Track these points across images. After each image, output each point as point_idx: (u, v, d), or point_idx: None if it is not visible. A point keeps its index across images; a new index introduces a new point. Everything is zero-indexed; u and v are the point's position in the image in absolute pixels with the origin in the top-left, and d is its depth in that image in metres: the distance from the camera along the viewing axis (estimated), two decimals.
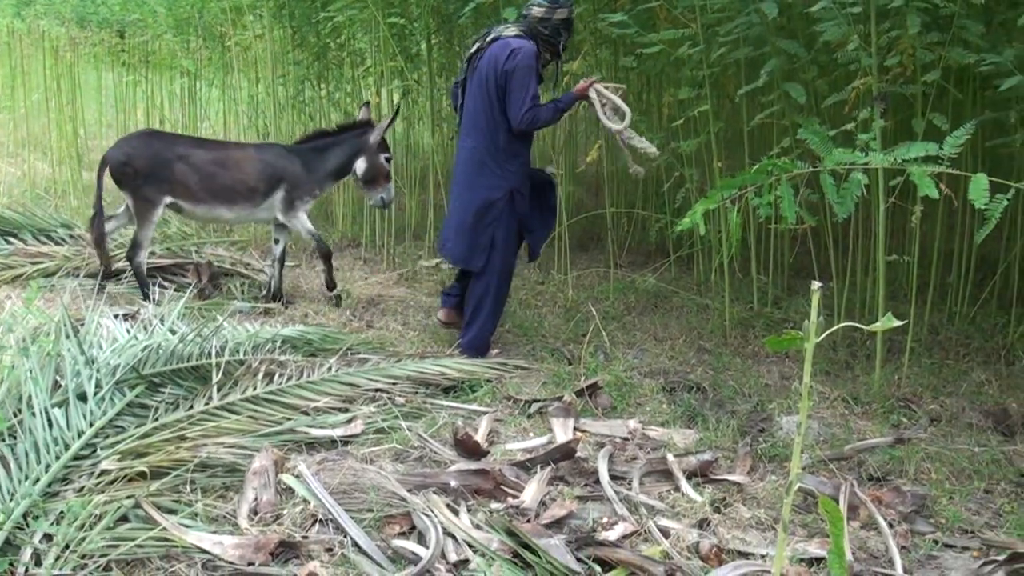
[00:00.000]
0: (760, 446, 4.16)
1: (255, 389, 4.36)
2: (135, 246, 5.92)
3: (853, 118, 4.65)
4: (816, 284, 1.98)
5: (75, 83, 9.81)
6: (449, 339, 5.48)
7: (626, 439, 4.22)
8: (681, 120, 6.04)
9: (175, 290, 6.15)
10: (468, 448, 3.99)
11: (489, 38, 5.16)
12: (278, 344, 4.95)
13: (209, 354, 4.51)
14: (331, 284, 6.21)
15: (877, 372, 4.83)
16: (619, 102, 5.02)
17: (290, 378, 4.53)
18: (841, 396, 4.73)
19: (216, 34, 9.18)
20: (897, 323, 1.91)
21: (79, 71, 10.16)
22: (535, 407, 4.54)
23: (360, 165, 6.10)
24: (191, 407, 4.14)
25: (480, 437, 4.12)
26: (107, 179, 5.99)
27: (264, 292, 6.29)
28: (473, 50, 5.23)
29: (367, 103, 6.42)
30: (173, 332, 4.83)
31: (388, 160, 6.17)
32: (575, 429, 4.27)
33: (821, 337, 1.92)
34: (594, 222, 7.65)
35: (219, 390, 4.31)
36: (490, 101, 5.06)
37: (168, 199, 5.93)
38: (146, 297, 5.91)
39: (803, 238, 6.19)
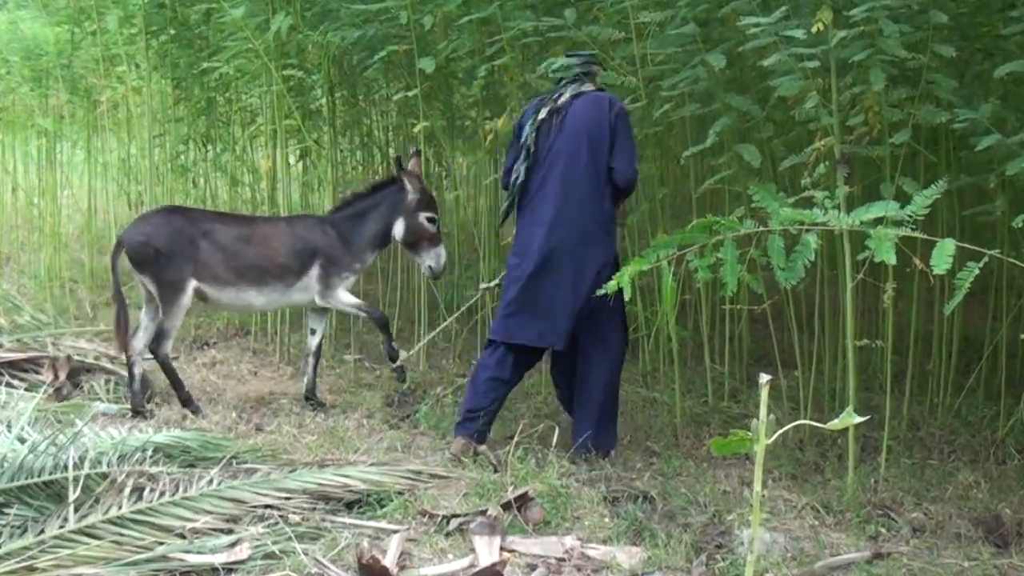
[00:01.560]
0: (718, 564, 4.13)
1: (120, 508, 4.25)
2: (160, 336, 5.96)
3: (811, 175, 4.74)
4: (765, 377, 2.01)
5: None
6: (357, 444, 5.45)
7: (562, 559, 4.17)
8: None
9: (26, 389, 6.03)
10: (375, 574, 3.93)
11: (565, 97, 5.30)
12: (149, 453, 4.83)
13: (65, 466, 4.39)
14: (392, 354, 6.23)
15: (850, 475, 4.84)
16: None
17: (163, 494, 4.42)
18: (810, 504, 4.72)
19: (82, 88, 9.15)
20: (859, 419, 1.94)
21: None
22: (455, 523, 4.47)
23: (398, 228, 6.15)
24: (42, 531, 4.01)
25: (390, 561, 4.05)
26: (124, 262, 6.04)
27: (305, 394, 6.29)
28: (543, 115, 5.31)
29: (417, 150, 6.36)
30: (22, 440, 4.71)
31: (431, 221, 6.14)
32: (502, 549, 4.21)
33: (772, 438, 1.92)
34: None
35: (77, 510, 4.18)
36: (593, 163, 5.19)
37: (194, 282, 5.99)
38: (185, 402, 5.99)
39: (763, 320, 6.28)
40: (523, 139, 5.36)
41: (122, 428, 5.32)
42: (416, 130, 6.85)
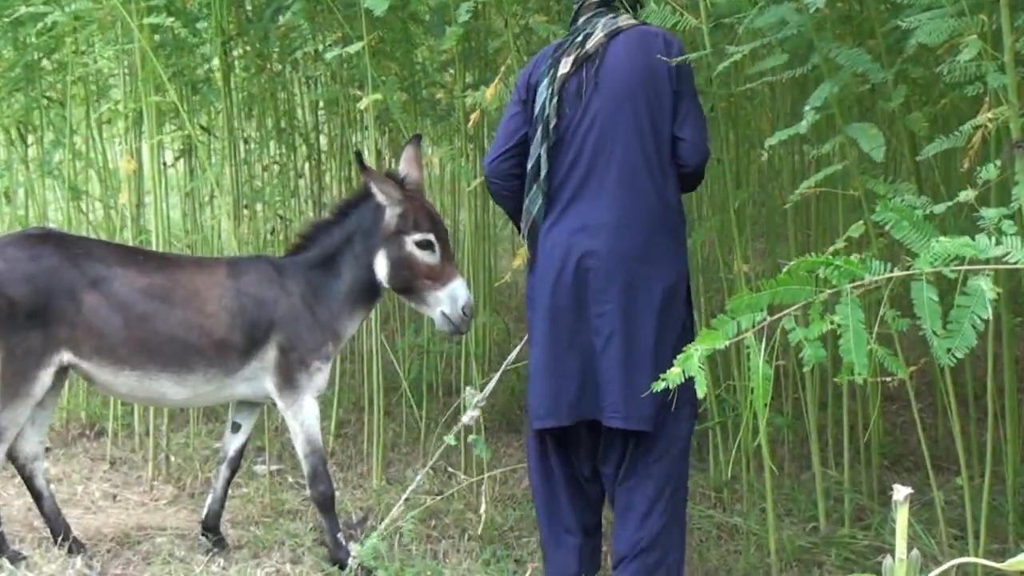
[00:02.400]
0: None
1: None
2: None
3: (972, 180, 4.59)
4: (902, 490, 1.86)
5: None
6: None
7: None
8: None
9: None
10: None
11: (597, 37, 5.18)
12: None
13: None
14: (337, 556, 5.88)
15: None
16: None
17: None
18: None
19: None
20: None
21: None
22: None
23: (380, 265, 5.83)
24: None
25: None
26: None
27: (202, 520, 6.18)
28: (566, 68, 5.17)
29: (417, 136, 6.17)
30: None
31: (426, 246, 5.78)
32: None
33: None
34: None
35: None
36: (654, 135, 5.13)
37: (65, 356, 5.75)
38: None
39: (902, 397, 6.15)
40: (539, 107, 5.22)
41: None
42: (360, 107, 6.64)
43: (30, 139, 8.58)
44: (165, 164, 8.19)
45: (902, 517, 1.87)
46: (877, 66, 5.10)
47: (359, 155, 5.86)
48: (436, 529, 6.43)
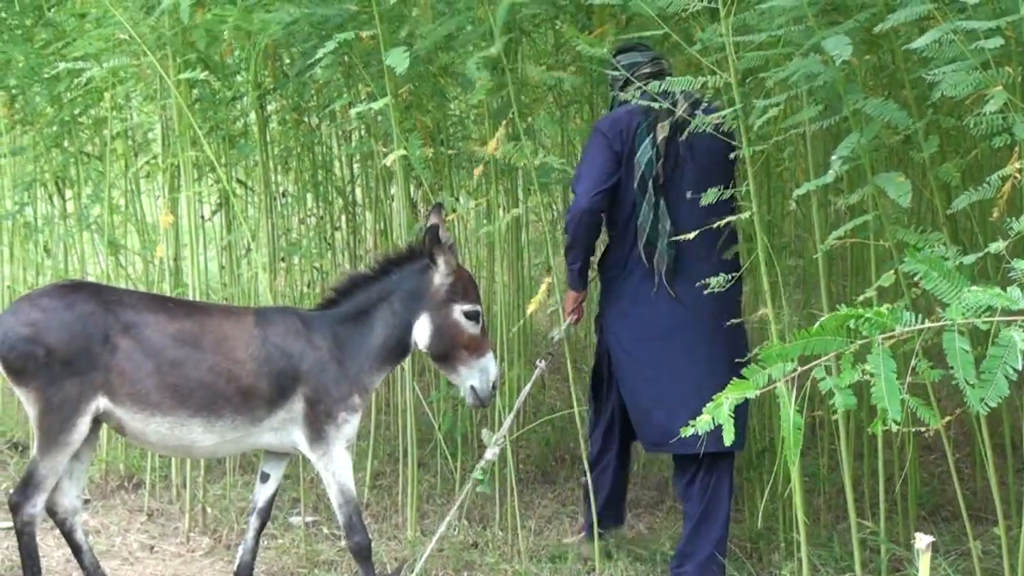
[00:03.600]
0: None
1: None
2: (30, 485, 5.71)
3: (1004, 231, 4.57)
4: (924, 539, 1.86)
5: None
6: None
7: None
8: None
9: None
10: None
11: (683, 104, 5.88)
12: None
13: None
14: None
15: None
16: None
17: None
18: None
19: None
20: None
21: None
22: None
23: (422, 330, 5.94)
24: None
25: None
26: None
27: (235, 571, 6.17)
28: (666, 133, 5.96)
29: (438, 205, 6.22)
30: None
31: (472, 317, 5.94)
32: None
33: None
34: (566, 431, 7.59)
35: None
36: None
37: (101, 403, 5.75)
38: None
39: (938, 447, 6.12)
40: (642, 164, 6.07)
41: None
42: (386, 163, 6.70)
43: (68, 194, 8.58)
44: (203, 217, 8.21)
45: (924, 565, 1.86)
46: (905, 115, 5.10)
47: (433, 228, 5.88)
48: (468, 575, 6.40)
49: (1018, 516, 5.56)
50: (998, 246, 4.34)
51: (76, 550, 5.91)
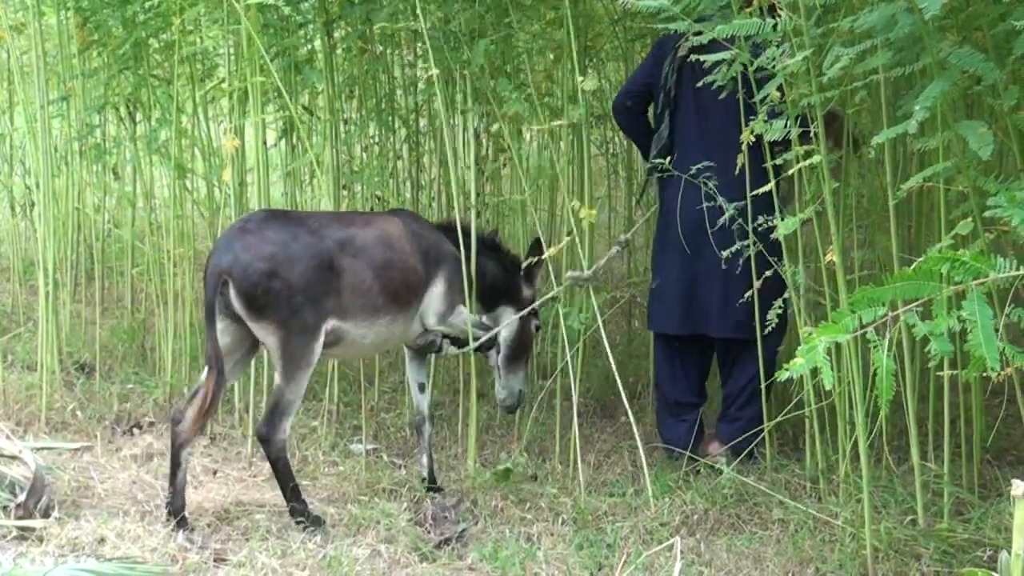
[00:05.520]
0: None
1: None
2: (277, 414, 6.03)
3: None
4: (1021, 485, 1.90)
5: None
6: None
7: None
8: (770, 184, 6.08)
9: None
10: None
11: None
12: None
13: None
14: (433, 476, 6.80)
15: None
16: None
17: None
18: None
19: None
20: None
21: None
22: None
23: (506, 317, 6.83)
24: None
25: None
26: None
27: (424, 477, 6.79)
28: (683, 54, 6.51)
29: (536, 241, 6.88)
30: None
31: (536, 329, 6.87)
32: None
33: None
34: (623, 369, 7.55)
35: None
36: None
37: (331, 323, 6.16)
38: (297, 511, 6.10)
39: (1006, 390, 6.08)
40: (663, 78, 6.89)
41: (6, 555, 5.37)
42: (431, 76, 6.80)
43: (138, 117, 8.60)
44: (267, 144, 8.21)
45: (1020, 512, 1.86)
46: (991, 66, 5.04)
47: (538, 241, 6.74)
48: (530, 512, 6.39)
49: None
50: None
51: (175, 466, 6.00)
